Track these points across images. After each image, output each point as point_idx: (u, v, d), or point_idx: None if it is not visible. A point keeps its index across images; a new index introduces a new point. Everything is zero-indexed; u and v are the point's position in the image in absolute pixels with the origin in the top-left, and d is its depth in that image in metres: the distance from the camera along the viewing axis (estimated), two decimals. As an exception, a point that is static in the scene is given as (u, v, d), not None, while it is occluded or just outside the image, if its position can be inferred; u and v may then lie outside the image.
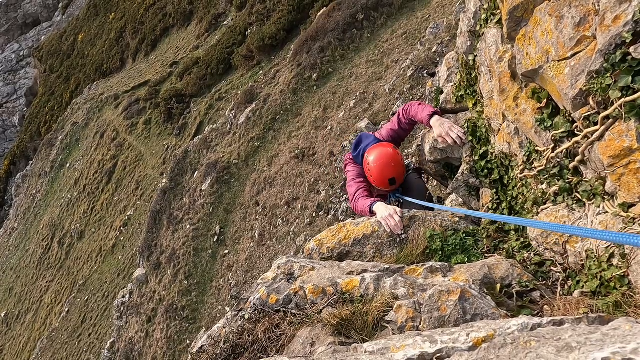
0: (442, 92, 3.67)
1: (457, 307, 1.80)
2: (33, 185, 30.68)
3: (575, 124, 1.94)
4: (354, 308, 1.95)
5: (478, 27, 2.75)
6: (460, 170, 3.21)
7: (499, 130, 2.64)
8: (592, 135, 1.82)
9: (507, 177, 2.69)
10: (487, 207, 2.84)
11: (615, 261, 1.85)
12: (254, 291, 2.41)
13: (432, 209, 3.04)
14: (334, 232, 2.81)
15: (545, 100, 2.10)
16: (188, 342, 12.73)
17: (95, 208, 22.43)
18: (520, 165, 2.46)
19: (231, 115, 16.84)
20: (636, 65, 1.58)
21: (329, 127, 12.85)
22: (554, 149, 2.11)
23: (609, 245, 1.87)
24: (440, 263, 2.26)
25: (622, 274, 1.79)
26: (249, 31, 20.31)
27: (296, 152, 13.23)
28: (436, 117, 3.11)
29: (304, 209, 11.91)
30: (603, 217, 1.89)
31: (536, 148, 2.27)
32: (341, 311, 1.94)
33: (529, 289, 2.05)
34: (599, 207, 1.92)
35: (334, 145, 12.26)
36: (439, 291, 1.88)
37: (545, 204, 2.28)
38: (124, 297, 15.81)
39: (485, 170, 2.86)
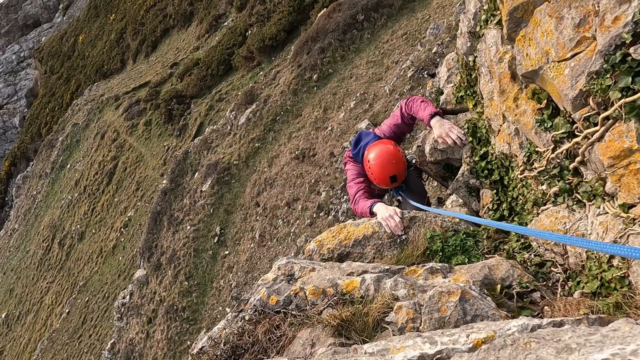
0: (442, 93, 3.68)
1: (457, 308, 1.80)
2: (33, 186, 30.70)
3: (575, 125, 1.94)
4: (354, 309, 1.95)
5: (478, 28, 2.75)
6: (460, 171, 3.21)
7: (499, 131, 2.64)
8: (592, 136, 1.82)
9: (507, 177, 2.69)
10: (488, 207, 2.84)
11: (615, 262, 1.85)
12: (255, 292, 2.41)
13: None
14: (334, 233, 2.81)
15: (545, 101, 2.10)
16: (188, 343, 12.72)
17: (95, 209, 22.44)
18: (521, 166, 2.46)
19: (231, 116, 16.86)
20: (636, 66, 1.58)
21: (329, 128, 12.86)
22: (554, 150, 2.11)
23: (609, 246, 1.87)
24: (440, 264, 2.26)
25: (623, 275, 1.79)
26: (249, 32, 20.33)
27: (296, 152, 13.24)
28: (437, 117, 3.07)
29: (305, 210, 11.91)
30: (603, 217, 1.89)
31: (536, 149, 2.27)
32: (341, 312, 1.94)
33: (529, 289, 2.05)
34: (599, 207, 1.92)
35: (334, 146, 12.27)
36: (439, 292, 1.88)
37: (545, 204, 2.28)
38: (124, 298, 15.81)
39: (486, 171, 2.86)
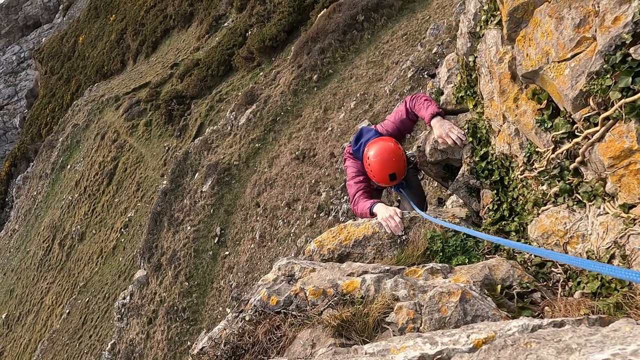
0: (442, 93, 3.68)
1: (457, 309, 1.80)
2: (34, 187, 30.72)
3: (576, 125, 1.94)
4: (355, 309, 1.95)
5: (478, 29, 2.75)
6: (460, 172, 3.21)
7: (499, 131, 2.64)
8: (592, 136, 1.82)
9: (507, 178, 2.69)
10: (488, 208, 2.84)
11: (615, 262, 1.85)
12: (255, 292, 2.41)
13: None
14: (335, 233, 2.81)
15: (545, 101, 2.10)
16: (189, 343, 12.73)
17: (95, 210, 22.45)
18: (521, 166, 2.46)
19: (232, 116, 16.87)
20: (636, 66, 1.58)
21: (330, 129, 12.86)
22: (554, 150, 2.11)
23: (610, 247, 1.87)
24: (440, 264, 2.26)
25: (623, 275, 1.79)
26: (249, 32, 20.35)
27: (297, 153, 13.24)
28: (437, 117, 3.06)
29: (305, 210, 11.92)
30: (604, 218, 1.89)
31: (536, 149, 2.27)
32: (342, 312, 1.94)
33: (529, 290, 2.05)
34: (599, 208, 1.92)
35: (335, 146, 12.27)
36: (439, 292, 1.88)
37: (545, 205, 2.28)
38: (124, 298, 15.82)
39: (486, 171, 2.85)
